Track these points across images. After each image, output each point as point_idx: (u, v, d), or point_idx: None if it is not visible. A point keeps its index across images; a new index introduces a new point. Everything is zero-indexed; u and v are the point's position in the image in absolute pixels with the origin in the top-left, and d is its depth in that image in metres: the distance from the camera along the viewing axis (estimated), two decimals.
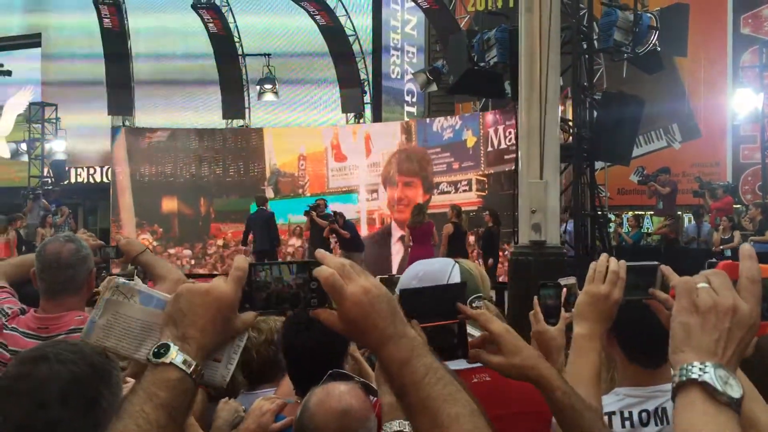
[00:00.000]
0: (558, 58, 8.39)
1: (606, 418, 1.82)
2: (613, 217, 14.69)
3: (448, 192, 15.28)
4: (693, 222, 14.08)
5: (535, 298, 2.09)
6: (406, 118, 18.97)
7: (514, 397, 1.84)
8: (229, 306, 1.12)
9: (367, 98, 18.21)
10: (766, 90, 14.95)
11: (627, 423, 1.88)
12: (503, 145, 14.27)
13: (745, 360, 1.08)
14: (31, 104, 20.79)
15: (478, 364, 1.54)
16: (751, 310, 1.03)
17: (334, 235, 13.43)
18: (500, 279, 11.69)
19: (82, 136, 20.67)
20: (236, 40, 18.42)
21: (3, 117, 22.94)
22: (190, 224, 17.19)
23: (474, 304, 2.14)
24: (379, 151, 16.35)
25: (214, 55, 18.32)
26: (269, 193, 16.41)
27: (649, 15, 10.81)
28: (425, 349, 1.12)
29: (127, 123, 17.80)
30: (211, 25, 18.17)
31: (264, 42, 18.65)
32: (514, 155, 13.32)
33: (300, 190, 17.15)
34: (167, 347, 1.09)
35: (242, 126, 18.31)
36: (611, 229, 13.03)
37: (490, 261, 12.18)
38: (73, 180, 20.76)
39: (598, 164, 12.33)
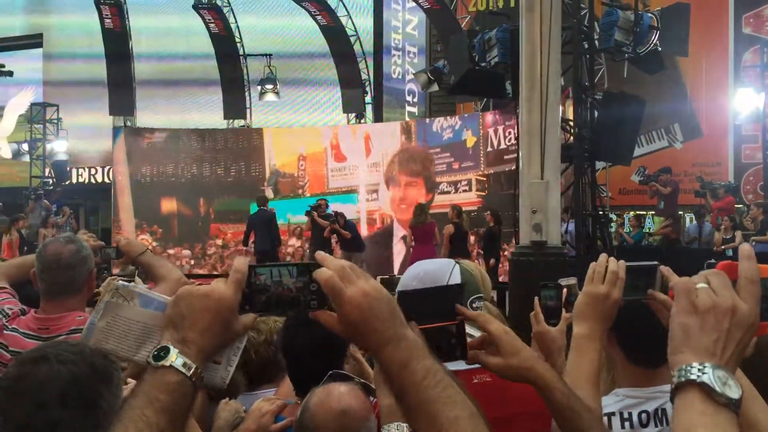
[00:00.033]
0: (559, 58, 8.39)
1: (606, 418, 1.81)
2: (614, 217, 14.68)
3: (448, 192, 15.30)
4: (694, 222, 14.08)
5: (536, 298, 2.09)
6: (407, 119, 18.97)
7: (514, 398, 1.84)
8: (229, 309, 1.12)
9: (368, 98, 18.21)
10: (767, 90, 14.93)
11: (627, 424, 1.88)
12: (503, 145, 14.29)
13: (746, 360, 1.08)
14: (32, 105, 20.81)
15: (478, 365, 1.55)
16: (751, 311, 1.02)
17: (335, 236, 13.43)
18: (500, 279, 11.68)
19: (84, 137, 20.68)
20: (237, 40, 18.43)
21: (5, 117, 22.95)
22: (189, 225, 17.21)
23: (474, 305, 2.14)
24: (379, 151, 16.36)
25: (215, 55, 18.33)
26: (269, 193, 16.43)
27: (650, 15, 10.81)
28: (425, 351, 1.12)
29: (128, 123, 17.82)
30: (212, 25, 18.18)
31: (265, 42, 18.65)
32: (513, 155, 13.33)
33: (300, 191, 17.16)
34: (167, 350, 1.09)
35: (243, 126, 18.33)
36: (612, 229, 13.02)
37: (492, 261, 12.19)
38: (74, 180, 20.77)
39: (600, 164, 12.31)
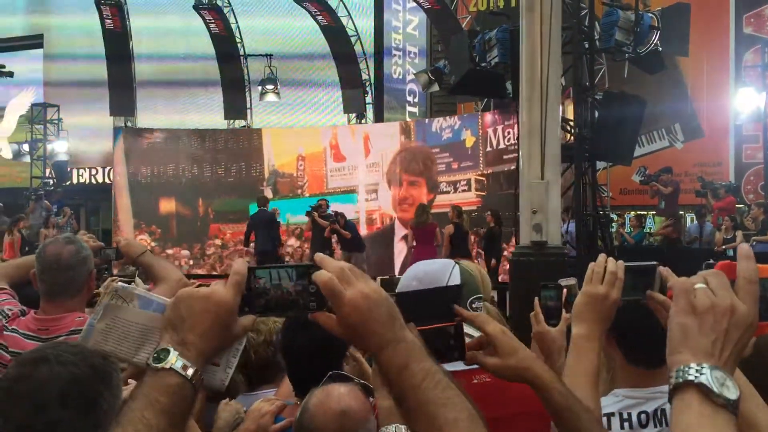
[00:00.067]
0: (559, 58, 8.38)
1: (605, 419, 1.81)
2: (615, 217, 14.68)
3: (447, 192, 15.32)
4: (695, 222, 14.07)
5: (536, 299, 2.09)
6: (408, 119, 18.98)
7: (514, 398, 1.84)
8: (228, 311, 1.12)
9: (368, 99, 18.20)
10: None
11: (626, 424, 1.88)
12: (502, 145, 14.31)
13: (745, 360, 1.08)
14: (33, 105, 20.80)
15: (477, 366, 1.55)
16: (749, 311, 1.02)
17: (335, 236, 13.44)
18: (500, 279, 11.68)
19: (84, 137, 20.69)
20: (238, 40, 18.44)
21: (5, 118, 22.96)
22: (188, 225, 17.22)
23: (474, 305, 2.14)
24: (378, 151, 16.38)
25: (215, 55, 18.33)
26: (268, 193, 16.44)
27: (650, 15, 10.82)
28: (424, 353, 1.12)
29: (129, 124, 17.83)
30: (212, 25, 18.18)
31: (265, 43, 18.65)
32: (513, 155, 13.35)
33: (299, 191, 17.18)
34: (167, 352, 1.09)
35: (244, 127, 18.33)
36: (613, 229, 13.02)
37: (493, 262, 12.19)
38: (75, 181, 20.78)
39: (600, 164, 12.31)
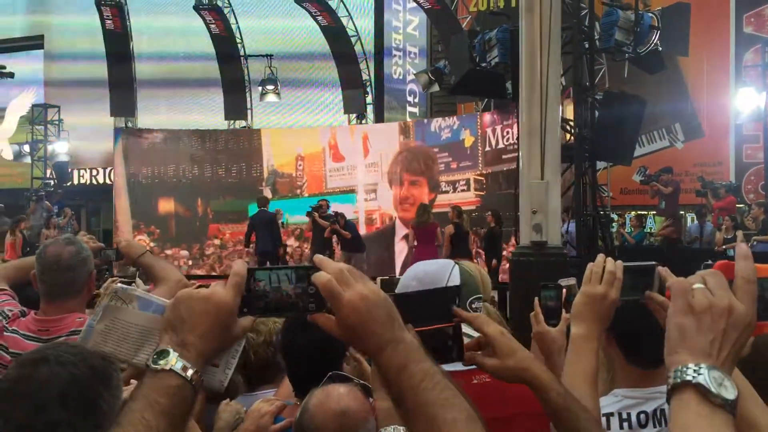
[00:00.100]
0: (559, 58, 8.38)
1: (604, 419, 1.81)
2: (615, 217, 14.67)
3: (447, 191, 15.34)
4: (696, 222, 14.07)
5: (536, 299, 2.09)
6: (408, 119, 18.98)
7: (514, 398, 1.84)
8: (228, 312, 1.12)
9: (368, 99, 18.20)
10: None
11: (625, 424, 1.88)
12: (501, 145, 14.32)
13: (743, 359, 1.08)
14: (33, 106, 20.78)
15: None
16: (747, 311, 1.03)
17: (335, 236, 13.45)
18: (500, 279, 11.68)
19: (85, 138, 20.68)
20: (238, 40, 18.44)
21: (6, 119, 22.97)
22: (187, 225, 17.22)
23: (474, 305, 2.15)
24: (377, 151, 16.38)
25: (216, 56, 18.33)
26: (267, 193, 16.44)
27: (650, 15, 10.82)
28: (422, 354, 1.12)
29: (129, 124, 17.83)
30: (213, 26, 18.19)
31: (266, 44, 18.64)
32: (512, 155, 13.36)
33: (298, 191, 17.18)
34: (167, 353, 1.09)
35: (244, 127, 18.33)
36: (614, 229, 13.02)
37: (494, 262, 12.20)
38: (75, 181, 20.77)
39: (601, 164, 12.31)
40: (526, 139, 7.97)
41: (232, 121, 18.49)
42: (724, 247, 11.90)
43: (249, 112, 18.56)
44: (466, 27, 15.47)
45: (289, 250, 16.24)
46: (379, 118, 18.33)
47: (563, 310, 2.06)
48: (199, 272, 16.38)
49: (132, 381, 1.57)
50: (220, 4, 18.28)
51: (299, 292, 1.13)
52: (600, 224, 10.65)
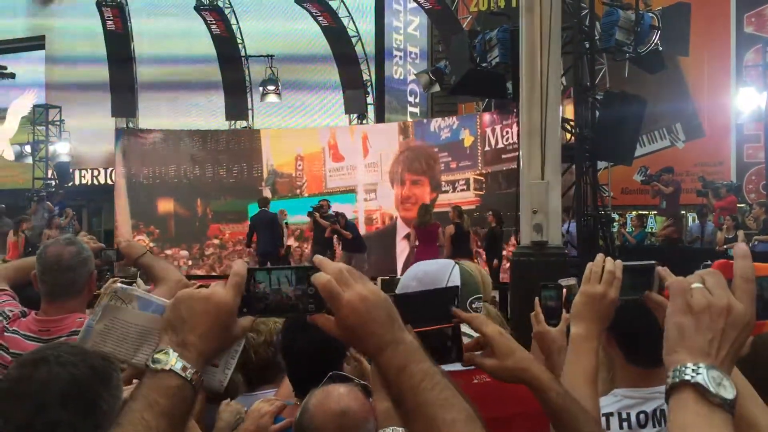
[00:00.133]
0: (559, 58, 8.38)
1: (604, 419, 1.81)
2: (616, 217, 14.67)
3: (446, 191, 15.35)
4: (697, 221, 14.06)
5: (536, 299, 2.09)
6: (409, 119, 18.98)
7: (514, 398, 1.84)
8: (228, 312, 1.12)
9: (369, 99, 18.19)
10: None
11: (625, 424, 1.88)
12: (500, 145, 14.33)
13: (742, 359, 1.08)
14: (35, 106, 20.80)
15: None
16: (746, 310, 1.03)
17: (336, 236, 13.45)
18: (501, 279, 11.69)
19: (86, 139, 20.69)
20: (239, 41, 18.44)
21: (7, 119, 22.98)
22: (187, 225, 17.22)
23: (474, 305, 2.15)
24: (377, 151, 16.39)
25: (217, 56, 18.33)
26: (267, 193, 16.45)
27: (650, 14, 10.82)
28: (422, 354, 1.12)
29: (130, 125, 17.84)
30: (214, 26, 18.19)
31: (267, 46, 18.63)
32: (511, 154, 13.37)
33: (298, 191, 17.18)
34: (167, 353, 1.09)
35: (245, 128, 18.33)
36: (615, 229, 13.02)
37: (495, 262, 12.20)
38: (77, 182, 20.77)
39: (602, 164, 12.30)
40: (527, 139, 7.97)
41: (232, 122, 18.49)
42: (725, 246, 11.89)
43: (250, 113, 18.57)
44: (467, 27, 15.47)
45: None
46: (380, 118, 18.33)
47: (563, 310, 2.06)
48: (199, 272, 16.38)
49: (134, 381, 1.57)
50: (220, 4, 18.29)
51: (299, 294, 1.13)
52: (601, 224, 10.65)
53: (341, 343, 2.23)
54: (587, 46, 10.82)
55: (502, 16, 13.44)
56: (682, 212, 14.88)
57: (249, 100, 18.52)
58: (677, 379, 0.97)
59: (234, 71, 18.28)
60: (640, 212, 15.35)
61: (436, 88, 14.61)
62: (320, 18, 17.70)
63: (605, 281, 1.61)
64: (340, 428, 1.76)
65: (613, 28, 10.36)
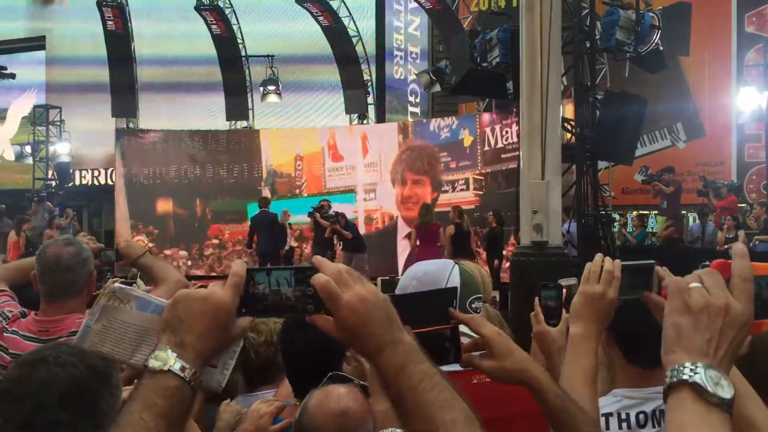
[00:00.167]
0: (559, 57, 8.38)
1: (603, 419, 1.81)
2: (617, 217, 14.68)
3: (446, 191, 15.36)
4: (698, 221, 14.06)
5: (536, 299, 2.09)
6: (410, 119, 18.98)
7: (514, 398, 1.84)
8: (227, 313, 1.12)
9: (370, 99, 18.18)
10: None
11: (624, 424, 1.87)
12: (500, 144, 14.33)
13: (741, 359, 1.08)
14: (35, 107, 20.79)
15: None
16: (744, 309, 1.02)
17: (336, 236, 13.46)
18: (501, 279, 11.69)
19: (87, 139, 20.69)
20: (239, 41, 18.44)
21: (8, 120, 22.99)
22: (186, 225, 17.22)
23: (474, 305, 2.15)
24: (377, 151, 16.39)
25: (217, 56, 18.33)
26: (266, 193, 16.45)
27: (651, 14, 10.82)
28: (421, 355, 1.12)
29: (131, 125, 17.85)
30: (214, 26, 18.19)
31: (267, 47, 18.61)
32: (511, 154, 13.38)
33: (297, 191, 17.18)
34: (165, 354, 1.08)
35: (245, 128, 18.33)
36: (615, 229, 13.02)
37: (496, 262, 12.20)
38: (77, 182, 20.78)
39: (602, 164, 12.31)
40: (527, 139, 7.97)
41: (233, 123, 18.49)
42: (725, 246, 11.88)
43: (250, 113, 18.57)
44: (467, 27, 15.48)
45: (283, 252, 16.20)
46: (380, 118, 18.33)
47: (563, 310, 2.05)
48: (199, 272, 16.38)
49: (135, 381, 1.57)
50: (221, 4, 18.29)
51: (298, 294, 1.13)
52: (602, 224, 10.65)
53: (341, 344, 2.22)
54: (588, 45, 10.82)
55: (502, 16, 13.44)
56: (683, 212, 14.87)
57: (249, 100, 18.53)
58: (675, 379, 0.97)
59: (234, 71, 18.28)
60: (640, 212, 15.36)
61: (437, 88, 14.61)
62: (321, 18, 17.70)
63: (604, 281, 1.61)
64: (339, 428, 1.76)
65: (614, 27, 10.37)
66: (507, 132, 13.96)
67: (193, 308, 1.11)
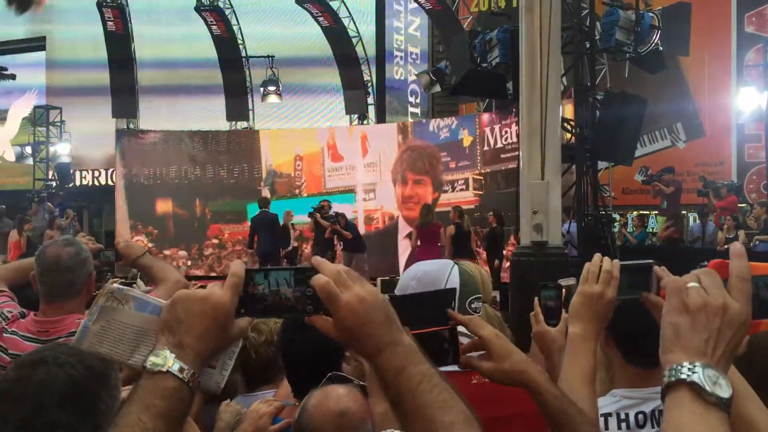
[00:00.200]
0: (559, 58, 8.39)
1: (602, 419, 1.81)
2: (617, 217, 14.68)
3: (446, 191, 15.36)
4: (698, 221, 14.06)
5: (536, 299, 2.09)
6: (410, 120, 18.98)
7: (513, 398, 1.84)
8: (225, 313, 1.12)
9: (370, 100, 18.18)
10: None
11: (623, 425, 1.87)
12: (499, 144, 14.33)
13: (740, 358, 1.08)
14: (35, 107, 20.79)
15: None
16: (742, 309, 1.03)
17: (337, 236, 13.46)
18: (502, 279, 11.69)
19: (87, 139, 20.68)
20: (240, 42, 18.43)
21: (8, 120, 22.99)
22: (185, 225, 17.22)
23: (473, 305, 2.15)
24: (376, 151, 16.39)
25: (218, 57, 18.32)
26: (265, 193, 16.45)
27: (651, 14, 10.83)
28: (420, 356, 1.12)
29: (131, 126, 17.85)
30: (214, 27, 18.19)
31: (267, 49, 18.61)
32: (510, 154, 13.38)
33: (296, 191, 17.18)
34: (164, 355, 1.08)
35: (245, 128, 18.33)
36: (615, 229, 13.02)
37: (496, 262, 12.20)
38: (78, 183, 20.78)
39: (602, 164, 12.31)
40: (527, 139, 7.97)
41: (233, 123, 18.49)
42: (725, 246, 11.88)
43: (250, 113, 18.56)
44: (467, 27, 15.48)
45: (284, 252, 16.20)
46: (380, 119, 18.32)
47: (563, 310, 2.05)
48: (198, 272, 16.38)
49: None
50: (221, 5, 18.28)
51: (298, 295, 1.13)
52: (602, 224, 10.65)
53: (340, 344, 2.23)
54: (587, 46, 10.83)
55: (502, 17, 13.44)
56: (683, 212, 14.87)
57: (250, 101, 18.52)
58: (673, 378, 0.97)
59: (234, 72, 18.28)
60: (641, 212, 15.36)
61: (437, 88, 14.61)
62: (321, 18, 17.69)
63: (602, 281, 1.61)
64: (339, 429, 1.76)
65: (614, 28, 10.37)
66: (506, 132, 13.97)
67: (192, 309, 1.11)
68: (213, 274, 16.19)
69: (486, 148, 14.69)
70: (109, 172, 20.20)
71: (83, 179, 21.31)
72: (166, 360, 1.08)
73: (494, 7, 17.44)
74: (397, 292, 2.14)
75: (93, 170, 21.47)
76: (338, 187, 16.78)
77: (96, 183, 21.43)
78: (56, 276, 2.63)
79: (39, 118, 19.94)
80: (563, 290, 2.06)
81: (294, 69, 19.18)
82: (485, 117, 14.95)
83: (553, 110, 7.88)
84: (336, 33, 17.76)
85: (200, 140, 17.57)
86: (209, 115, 19.40)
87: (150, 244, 16.19)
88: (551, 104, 7.75)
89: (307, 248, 15.25)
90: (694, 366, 0.97)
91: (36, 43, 22.97)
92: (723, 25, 16.53)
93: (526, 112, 8.00)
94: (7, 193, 20.42)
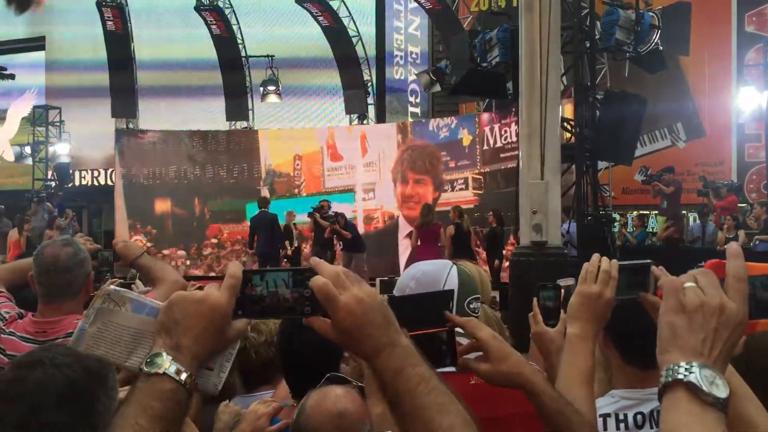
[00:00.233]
0: (559, 57, 8.39)
1: (601, 420, 1.81)
2: (617, 217, 14.67)
3: (445, 190, 15.37)
4: (698, 221, 14.06)
5: (534, 299, 2.08)
6: (410, 120, 18.98)
7: (512, 398, 1.84)
8: (223, 315, 1.11)
9: (370, 100, 18.17)
10: None
11: (622, 425, 1.87)
12: (499, 144, 14.33)
13: (737, 359, 1.08)
14: (35, 107, 20.80)
15: None
16: (738, 309, 1.02)
17: (336, 236, 13.46)
18: (502, 279, 11.69)
19: (87, 139, 20.69)
20: (239, 42, 18.43)
21: (7, 120, 22.99)
22: (184, 225, 17.22)
23: (471, 306, 2.14)
24: (376, 150, 16.39)
25: (217, 57, 18.32)
26: (264, 193, 16.45)
27: (651, 14, 10.83)
28: (419, 358, 1.12)
29: (131, 126, 17.85)
30: (214, 27, 18.18)
31: (267, 49, 18.60)
32: (510, 153, 13.39)
33: (296, 191, 17.19)
34: (160, 357, 1.08)
35: (245, 128, 18.32)
36: (615, 229, 13.02)
37: (496, 262, 12.20)
38: (77, 183, 20.79)
39: (602, 164, 12.30)
40: (526, 139, 7.98)
41: (233, 123, 18.49)
42: (726, 246, 11.87)
43: (250, 113, 18.56)
44: (467, 27, 15.48)
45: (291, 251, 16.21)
46: (380, 119, 18.32)
47: (562, 311, 2.05)
48: (197, 272, 16.38)
49: None
50: (221, 5, 18.28)
51: (296, 296, 1.13)
52: (602, 224, 10.65)
53: (338, 345, 2.23)
54: (587, 45, 10.83)
55: (502, 16, 13.44)
56: (683, 212, 14.86)
57: (249, 101, 18.52)
58: (670, 378, 0.97)
59: (234, 72, 18.28)
60: (641, 212, 15.36)
61: (437, 88, 14.61)
62: (321, 18, 17.68)
63: (601, 281, 1.61)
64: (337, 429, 1.76)
65: (614, 27, 10.37)
66: (506, 131, 13.97)
67: (189, 310, 1.11)
68: (212, 274, 16.20)
69: (486, 147, 14.69)
70: (109, 172, 20.20)
71: (82, 179, 21.32)
72: (163, 362, 1.07)
73: (494, 6, 17.44)
74: (395, 292, 2.14)
75: (92, 170, 21.47)
76: (337, 187, 16.79)
77: (95, 183, 21.44)
78: (54, 276, 2.62)
79: (38, 118, 19.94)
80: (562, 291, 2.06)
81: (294, 69, 19.18)
82: (485, 116, 14.95)
83: (552, 110, 7.88)
84: (336, 33, 17.75)
85: (199, 140, 17.57)
86: (209, 115, 19.40)
87: (149, 244, 16.19)
88: (551, 104, 7.76)
89: (307, 248, 15.26)
90: (691, 366, 0.97)
91: (35, 43, 22.96)
92: (723, 24, 16.52)
93: (526, 111, 8.00)
94: (6, 193, 20.42)
